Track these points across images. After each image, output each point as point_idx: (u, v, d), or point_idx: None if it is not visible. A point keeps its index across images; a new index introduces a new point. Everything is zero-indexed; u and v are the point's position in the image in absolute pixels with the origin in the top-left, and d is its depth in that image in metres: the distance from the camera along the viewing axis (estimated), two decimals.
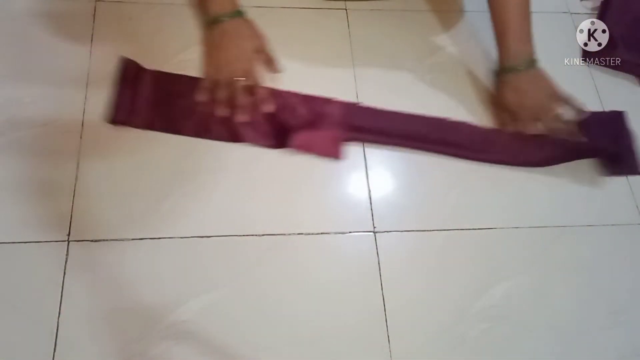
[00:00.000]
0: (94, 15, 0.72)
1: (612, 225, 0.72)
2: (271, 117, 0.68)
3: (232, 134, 0.67)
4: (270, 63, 0.69)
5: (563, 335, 0.65)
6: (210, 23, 0.65)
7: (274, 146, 0.68)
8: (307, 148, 0.68)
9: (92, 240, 0.60)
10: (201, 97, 0.64)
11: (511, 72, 0.70)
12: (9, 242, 0.58)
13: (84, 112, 0.66)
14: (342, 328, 0.61)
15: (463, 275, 0.66)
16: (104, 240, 0.60)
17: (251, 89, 0.65)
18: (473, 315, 0.64)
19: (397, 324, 0.62)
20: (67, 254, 0.58)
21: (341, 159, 0.69)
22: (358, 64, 0.76)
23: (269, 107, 0.65)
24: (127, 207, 0.62)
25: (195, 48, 0.72)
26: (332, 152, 0.69)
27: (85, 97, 0.67)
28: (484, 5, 0.74)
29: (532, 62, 0.70)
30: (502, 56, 0.71)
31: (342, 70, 0.76)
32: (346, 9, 0.81)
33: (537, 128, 0.72)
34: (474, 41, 0.82)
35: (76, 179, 0.62)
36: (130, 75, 0.67)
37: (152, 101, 0.67)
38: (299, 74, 0.73)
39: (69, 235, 0.59)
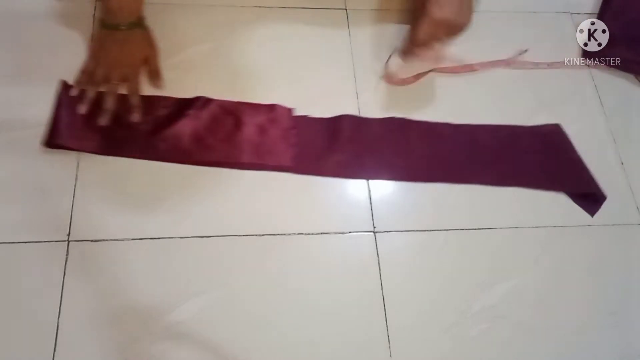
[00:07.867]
0: (94, 15, 0.72)
1: (612, 225, 0.72)
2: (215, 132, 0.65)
3: (179, 154, 0.64)
4: (154, 76, 0.67)
5: (563, 335, 0.65)
6: (106, 27, 0.64)
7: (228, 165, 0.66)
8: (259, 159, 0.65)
9: (92, 240, 0.60)
10: (73, 91, 0.63)
11: None
12: (9, 242, 0.58)
13: None
14: (342, 328, 0.61)
15: (463, 275, 0.66)
16: (104, 240, 0.60)
17: (125, 96, 0.64)
18: (473, 315, 0.64)
19: (397, 323, 0.62)
20: (67, 254, 0.58)
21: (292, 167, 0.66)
22: (358, 64, 0.76)
23: (135, 117, 0.63)
24: (127, 207, 0.62)
25: (195, 48, 0.72)
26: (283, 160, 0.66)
27: None
28: (486, 6, 0.74)
29: None
30: None
31: (342, 70, 0.76)
32: (346, 9, 0.81)
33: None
34: (473, 41, 0.82)
35: (76, 179, 0.62)
36: (68, 98, 0.64)
37: (91, 123, 0.63)
38: (299, 74, 0.74)
39: (69, 235, 0.59)
